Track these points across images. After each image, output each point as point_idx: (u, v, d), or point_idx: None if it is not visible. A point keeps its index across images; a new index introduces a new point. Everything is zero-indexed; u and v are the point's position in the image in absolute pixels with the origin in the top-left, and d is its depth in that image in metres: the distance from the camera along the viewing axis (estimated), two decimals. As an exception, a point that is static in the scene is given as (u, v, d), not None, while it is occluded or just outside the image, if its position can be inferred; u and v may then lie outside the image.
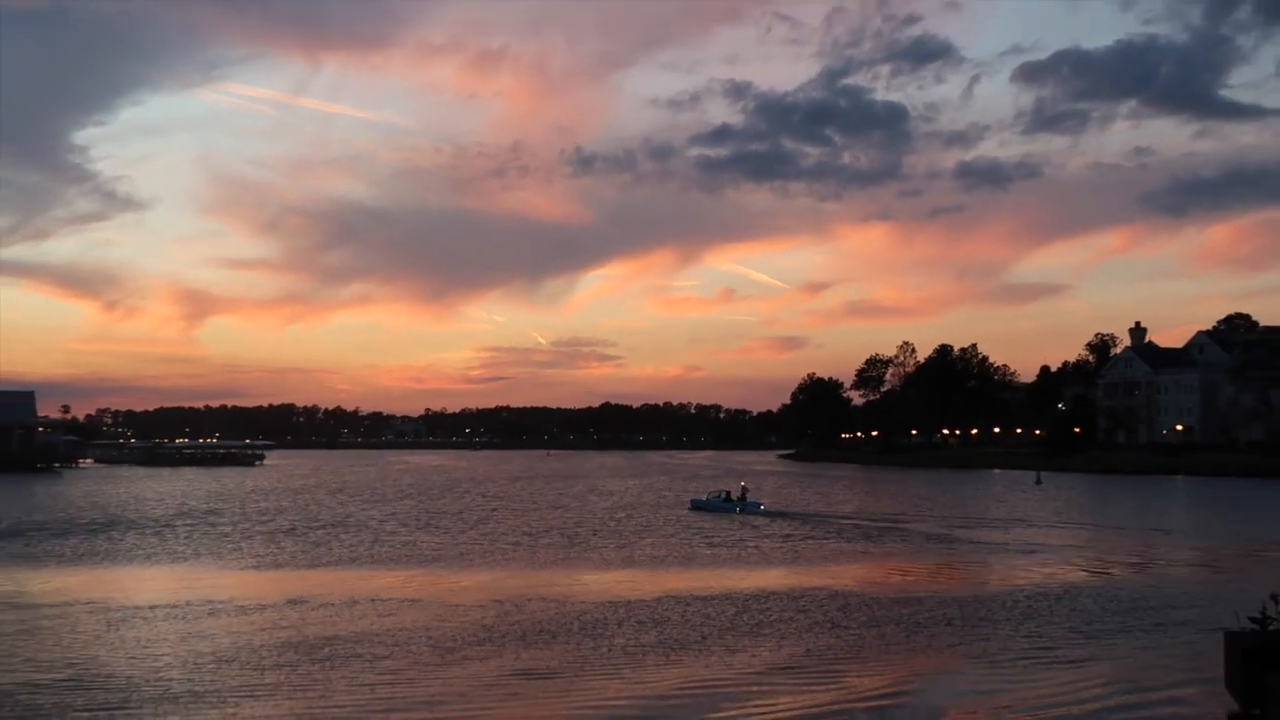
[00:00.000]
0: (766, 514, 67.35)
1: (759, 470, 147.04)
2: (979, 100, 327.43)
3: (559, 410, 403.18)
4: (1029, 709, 18.60)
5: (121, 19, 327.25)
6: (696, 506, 73.23)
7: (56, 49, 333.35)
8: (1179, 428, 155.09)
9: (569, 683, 20.59)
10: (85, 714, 18.01)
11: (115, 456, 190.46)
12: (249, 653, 23.28)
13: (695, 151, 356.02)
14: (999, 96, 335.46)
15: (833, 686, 20.43)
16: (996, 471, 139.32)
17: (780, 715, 18.20)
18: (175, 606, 30.11)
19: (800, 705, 18.90)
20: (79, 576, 37.27)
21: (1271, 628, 18.02)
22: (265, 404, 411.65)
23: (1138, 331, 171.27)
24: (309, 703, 18.90)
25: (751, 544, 49.19)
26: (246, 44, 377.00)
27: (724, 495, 74.01)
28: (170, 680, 20.61)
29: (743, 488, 78.07)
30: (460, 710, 18.50)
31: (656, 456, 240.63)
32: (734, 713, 18.36)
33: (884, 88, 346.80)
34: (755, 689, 20.12)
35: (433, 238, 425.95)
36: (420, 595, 32.37)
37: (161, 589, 34.38)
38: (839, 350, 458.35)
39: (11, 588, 34.11)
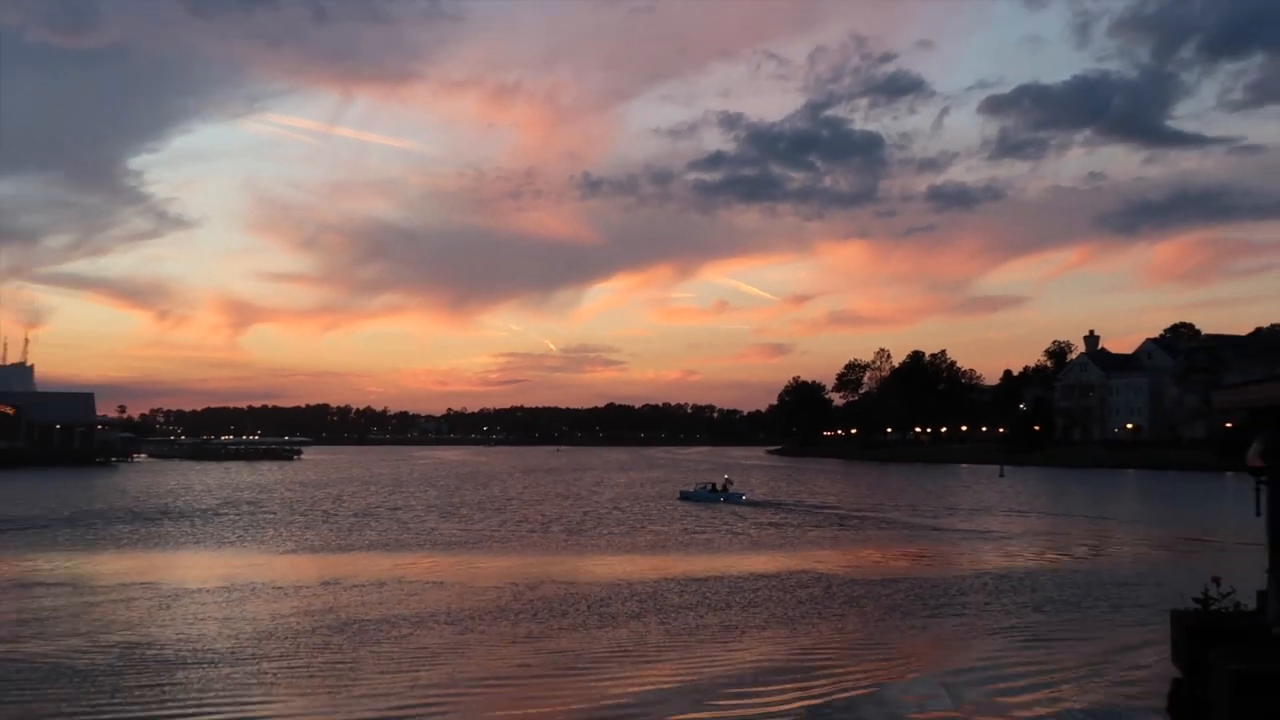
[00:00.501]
0: (748, 504, 67.24)
1: (749, 465, 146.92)
2: (948, 130, 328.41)
3: (568, 410, 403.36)
4: (996, 679, 18.46)
5: (172, 57, 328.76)
6: (685, 497, 72.77)
7: (114, 84, 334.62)
8: (1129, 426, 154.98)
9: (578, 658, 20.43)
10: (137, 683, 17.89)
11: (166, 452, 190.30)
12: (286, 629, 23.18)
13: (692, 176, 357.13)
14: (966, 126, 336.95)
15: (819, 660, 20.28)
16: (964, 466, 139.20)
17: (771, 690, 18.00)
18: (220, 587, 30.04)
19: (788, 679, 18.73)
20: (133, 560, 37.18)
21: (1213, 607, 17.87)
22: (302, 404, 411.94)
23: (1091, 339, 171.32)
24: (339, 675, 18.77)
25: (741, 531, 49.08)
26: (285, 79, 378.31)
27: (710, 486, 73.87)
28: (215, 653, 20.52)
29: (726, 480, 77.98)
30: (478, 683, 18.35)
31: (656, 452, 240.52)
32: (730, 687, 18.16)
33: (862, 119, 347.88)
34: (748, 665, 19.97)
35: (455, 254, 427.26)
36: (442, 577, 32.23)
37: (208, 571, 34.28)
38: (821, 356, 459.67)
39: (73, 570, 34.03)
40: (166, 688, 17.75)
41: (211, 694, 17.36)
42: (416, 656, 20.39)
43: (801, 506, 66.23)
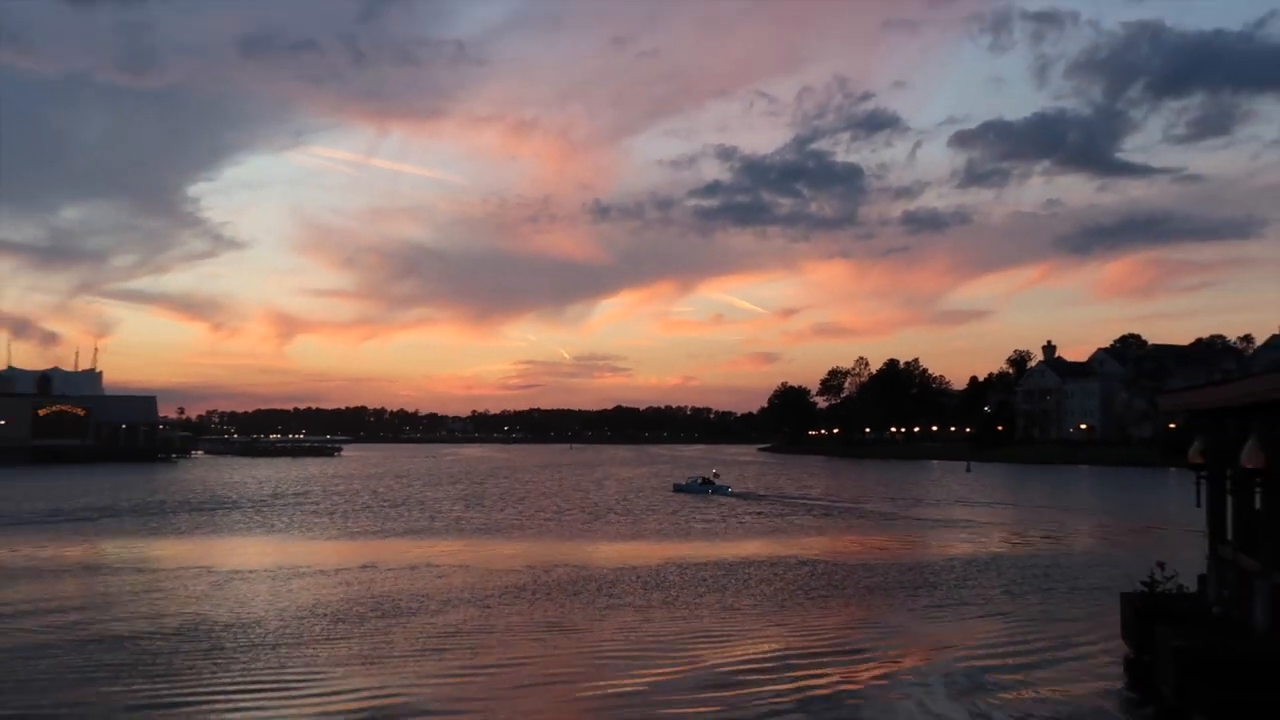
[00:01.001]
0: (733, 495, 67.06)
1: (743, 461, 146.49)
2: (921, 161, 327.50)
3: (580, 412, 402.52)
4: (966, 652, 18.35)
5: (226, 95, 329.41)
6: (678, 489, 72.33)
7: (174, 120, 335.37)
8: (1083, 427, 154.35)
9: (589, 634, 20.35)
10: (193, 655, 17.89)
11: (221, 449, 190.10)
12: (326, 608, 23.13)
13: (691, 202, 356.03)
14: (937, 158, 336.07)
15: (807, 636, 20.21)
16: (935, 462, 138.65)
17: (763, 660, 17.96)
18: (268, 570, 30.00)
19: (779, 651, 18.69)
20: (191, 545, 37.20)
21: (1158, 590, 17.83)
22: (342, 407, 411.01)
23: (1049, 348, 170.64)
24: (374, 648, 18.74)
25: (734, 520, 48.89)
26: (327, 115, 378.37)
27: (700, 480, 73.71)
28: (263, 629, 20.50)
29: (714, 474, 77.78)
30: (499, 656, 18.27)
31: (659, 450, 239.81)
32: (726, 661, 18.10)
33: (844, 151, 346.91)
34: (743, 639, 19.91)
35: (479, 272, 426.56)
36: (467, 561, 32.11)
37: (257, 555, 34.26)
38: (807, 364, 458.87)
39: (137, 554, 34.06)
40: (218, 659, 17.74)
41: (258, 665, 17.34)
42: (443, 633, 20.31)
43: (783, 498, 66.10)
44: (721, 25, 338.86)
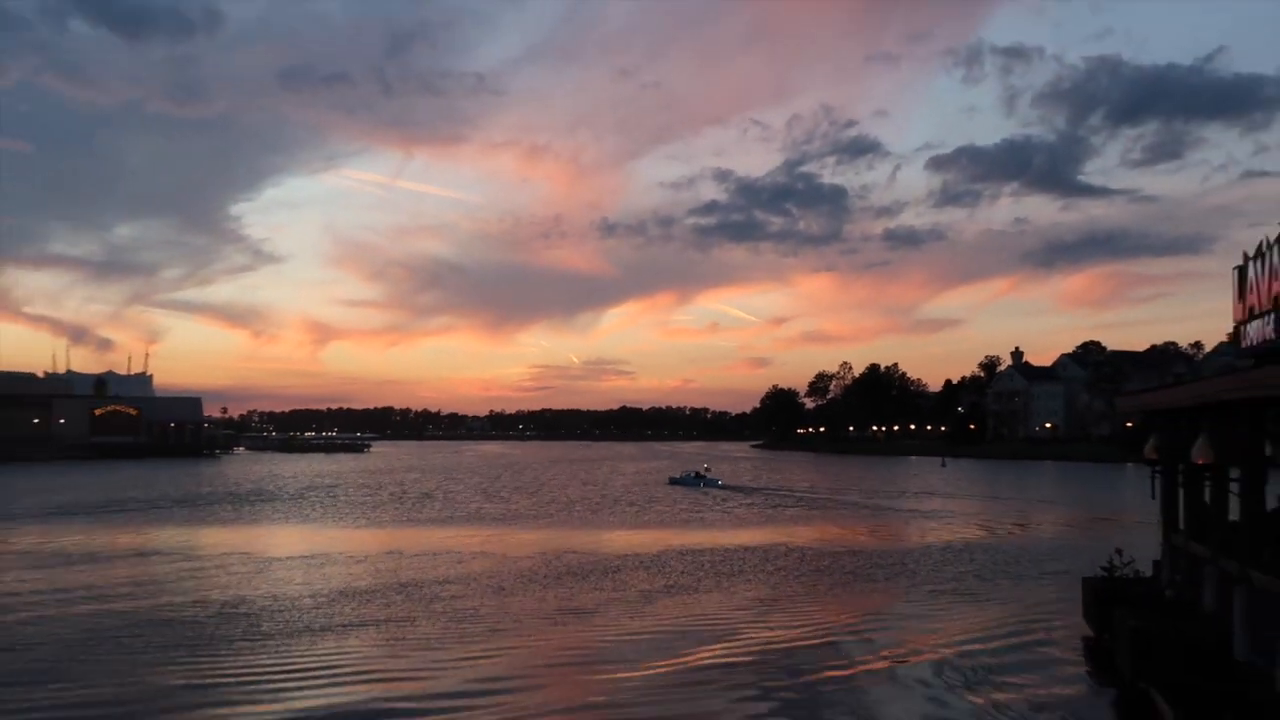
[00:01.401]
0: (722, 487, 66.88)
1: (737, 456, 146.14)
2: (900, 183, 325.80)
3: (588, 411, 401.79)
4: (942, 633, 18.30)
5: (266, 124, 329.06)
6: (673, 482, 72.01)
7: (218, 145, 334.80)
8: (1048, 425, 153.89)
9: (597, 616, 20.24)
10: (235, 632, 17.92)
11: (260, 445, 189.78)
12: (356, 590, 23.09)
13: (690, 220, 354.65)
14: (915, 180, 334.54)
15: (795, 618, 20.13)
16: (912, 458, 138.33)
17: (756, 641, 17.91)
18: (303, 555, 29.98)
19: (771, 634, 18.64)
20: (233, 532, 37.18)
21: (1116, 574, 17.76)
22: (371, 407, 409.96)
23: (1017, 354, 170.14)
24: (399, 629, 18.71)
25: (727, 511, 48.77)
26: (358, 141, 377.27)
27: (693, 474, 73.58)
28: (296, 609, 20.49)
29: (705, 469, 77.63)
30: (514, 637, 18.19)
31: (660, 446, 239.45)
32: (723, 639, 18.06)
33: (829, 174, 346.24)
34: (738, 621, 19.83)
35: (496, 284, 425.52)
36: (485, 549, 31.98)
37: (293, 542, 34.23)
38: (796, 367, 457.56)
39: (184, 540, 34.06)
40: (256, 636, 17.77)
41: (292, 642, 17.36)
42: (463, 613, 20.27)
43: (767, 489, 65.94)
44: (718, 59, 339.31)
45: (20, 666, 15.56)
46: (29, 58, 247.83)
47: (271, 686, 14.36)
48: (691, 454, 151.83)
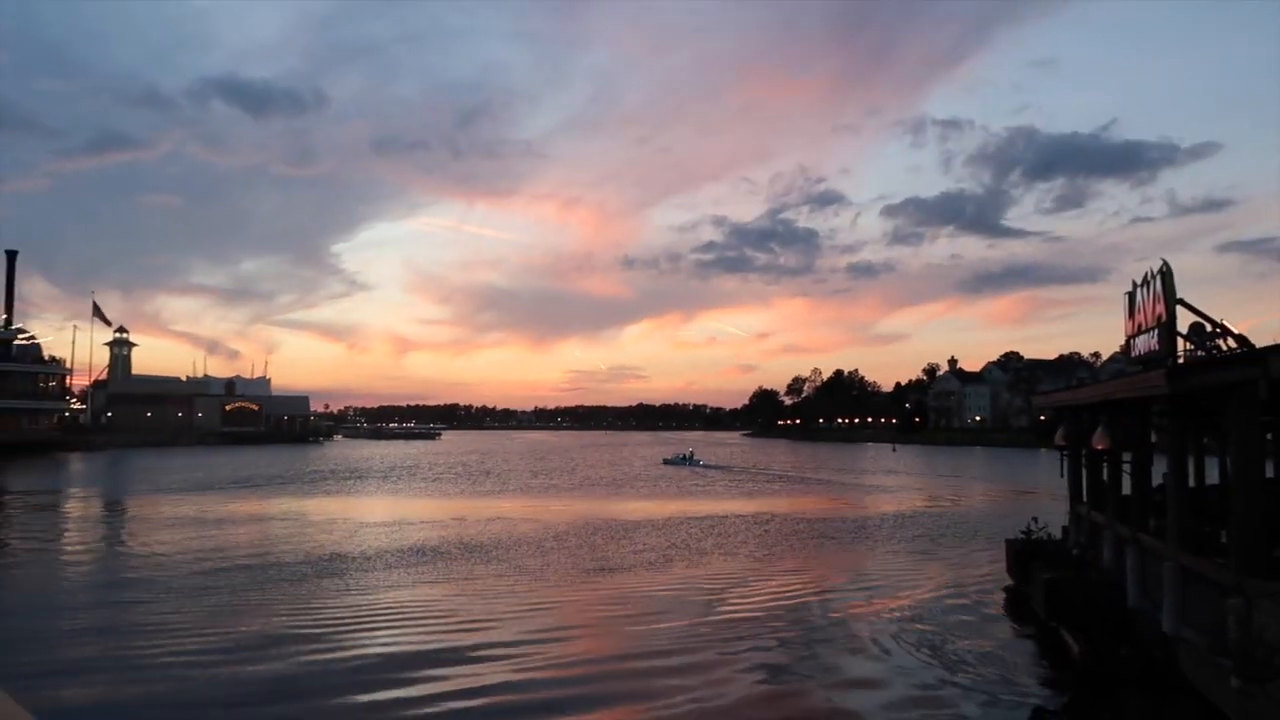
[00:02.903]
0: (705, 466, 66.04)
1: (728, 443, 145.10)
2: (860, 227, 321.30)
3: (612, 407, 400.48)
4: (892, 583, 18.13)
5: (361, 181, 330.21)
6: (667, 463, 71.13)
7: (324, 197, 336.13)
8: (977, 419, 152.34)
9: (625, 573, 19.87)
10: (330, 581, 17.91)
11: (354, 434, 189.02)
12: (428, 549, 23.06)
13: (693, 256, 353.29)
14: (872, 224, 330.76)
15: (782, 572, 19.93)
16: (869, 444, 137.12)
17: (751, 596, 17.76)
18: (386, 521, 29.98)
19: (763, 587, 18.45)
20: (333, 502, 37.28)
21: (1033, 537, 17.54)
22: (441, 403, 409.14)
23: (952, 362, 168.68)
24: (461, 581, 18.59)
25: (718, 486, 48.52)
26: (432, 194, 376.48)
27: (683, 455, 73.15)
28: (381, 563, 20.46)
29: (690, 452, 77.17)
30: (554, 589, 17.91)
31: (669, 435, 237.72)
32: (724, 595, 17.88)
33: (804, 219, 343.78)
34: (734, 578, 19.59)
35: (540, 307, 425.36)
36: (530, 516, 31.80)
37: (380, 510, 34.27)
38: (777, 372, 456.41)
39: (294, 508, 34.19)
40: (350, 584, 17.80)
41: (377, 588, 17.37)
42: (513, 567, 20.18)
43: (743, 469, 65.19)
44: (715, 129, 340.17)
45: (155, 615, 15.60)
46: (179, 131, 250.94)
47: (365, 627, 14.18)
48: (693, 440, 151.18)
